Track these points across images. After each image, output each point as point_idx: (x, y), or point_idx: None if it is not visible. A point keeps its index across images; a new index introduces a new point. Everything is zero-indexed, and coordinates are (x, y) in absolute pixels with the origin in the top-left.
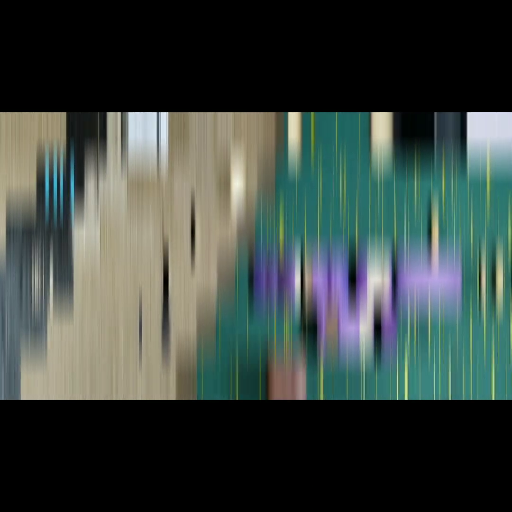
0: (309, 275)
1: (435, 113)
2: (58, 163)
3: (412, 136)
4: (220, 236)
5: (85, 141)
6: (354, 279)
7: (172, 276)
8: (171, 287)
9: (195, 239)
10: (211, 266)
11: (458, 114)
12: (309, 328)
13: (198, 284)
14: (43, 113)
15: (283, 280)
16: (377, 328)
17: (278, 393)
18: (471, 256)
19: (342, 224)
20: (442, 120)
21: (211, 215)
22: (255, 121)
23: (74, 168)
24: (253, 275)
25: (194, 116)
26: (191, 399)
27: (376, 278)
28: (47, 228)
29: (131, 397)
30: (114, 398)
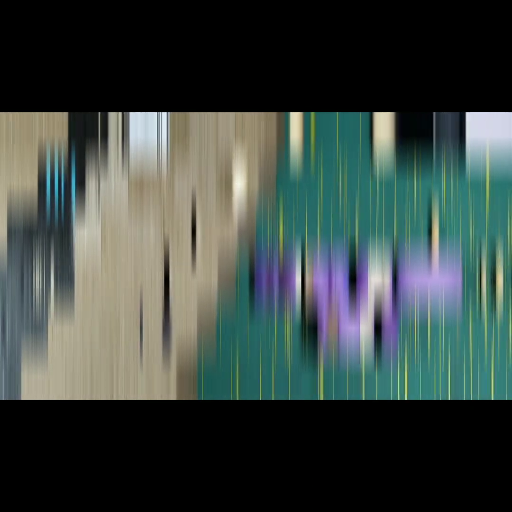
0: (310, 275)
1: (434, 113)
2: (59, 163)
3: (411, 136)
4: (221, 236)
5: (86, 141)
6: (355, 279)
7: (173, 276)
8: (172, 287)
9: (196, 239)
10: (212, 266)
11: (457, 114)
12: (310, 328)
13: (199, 284)
14: (44, 113)
15: (284, 280)
16: (378, 328)
17: None
18: (471, 256)
19: (343, 224)
20: (441, 120)
21: (212, 215)
22: (256, 121)
23: (76, 168)
24: (254, 275)
25: (195, 116)
26: (191, 399)
27: (377, 278)
28: (48, 227)
29: (131, 397)
30: (114, 398)
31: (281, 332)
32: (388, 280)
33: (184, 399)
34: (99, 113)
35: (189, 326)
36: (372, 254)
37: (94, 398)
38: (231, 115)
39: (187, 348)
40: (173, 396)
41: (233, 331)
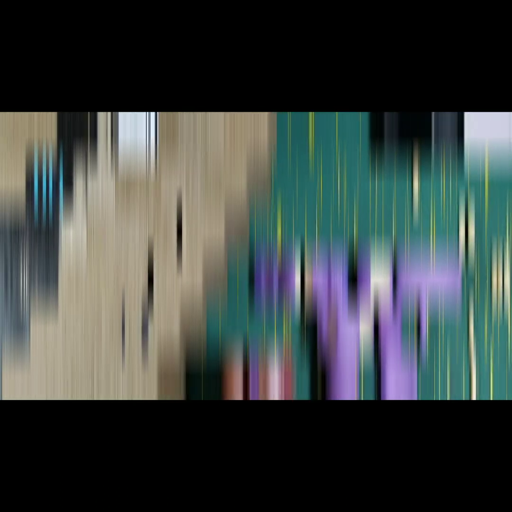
0: (309, 275)
1: (433, 113)
2: (47, 163)
3: (410, 136)
4: (210, 236)
5: (75, 141)
6: (355, 279)
7: (158, 277)
8: (156, 287)
9: (183, 239)
10: (198, 266)
11: (455, 114)
12: (309, 328)
13: (184, 284)
14: (33, 113)
15: (283, 280)
16: (377, 328)
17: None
18: (471, 256)
19: (342, 223)
20: (440, 120)
21: (201, 215)
22: (253, 121)
23: (64, 167)
24: (253, 275)
25: (184, 116)
26: (175, 399)
27: (377, 278)
28: (36, 227)
29: (113, 397)
30: (96, 398)
31: (280, 332)
32: (388, 280)
33: (166, 399)
34: (88, 113)
35: (172, 326)
36: (372, 254)
37: (75, 398)
38: (220, 115)
39: (171, 348)
40: (154, 396)
41: (232, 331)
